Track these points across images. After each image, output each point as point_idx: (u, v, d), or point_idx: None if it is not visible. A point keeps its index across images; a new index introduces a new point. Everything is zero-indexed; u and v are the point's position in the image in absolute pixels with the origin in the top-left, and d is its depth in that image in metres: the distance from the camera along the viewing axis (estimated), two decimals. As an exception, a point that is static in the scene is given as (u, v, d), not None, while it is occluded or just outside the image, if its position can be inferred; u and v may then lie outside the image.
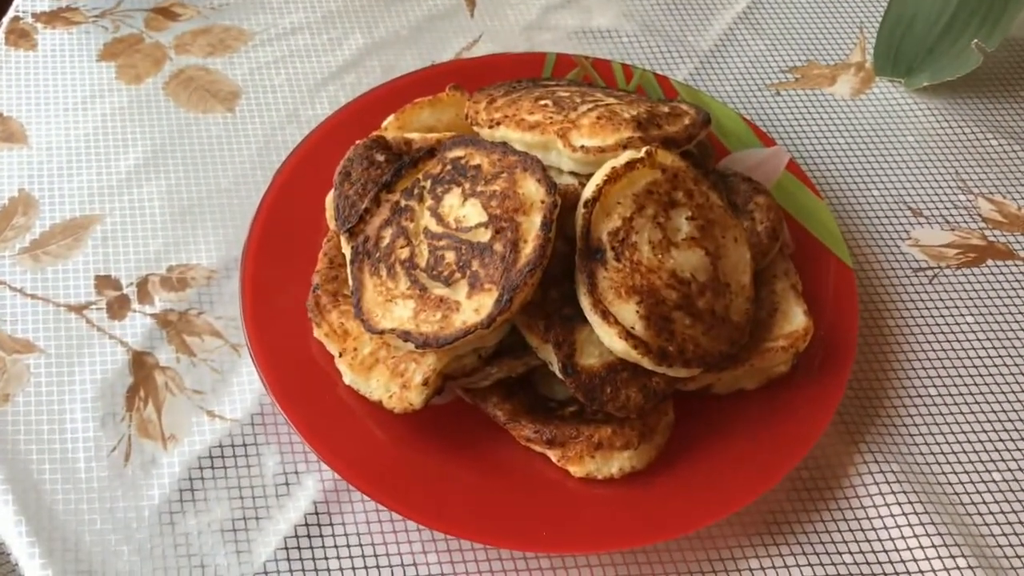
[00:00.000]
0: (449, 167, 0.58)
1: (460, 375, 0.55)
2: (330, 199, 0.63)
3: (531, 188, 0.55)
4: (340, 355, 0.57)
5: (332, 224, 0.62)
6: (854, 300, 0.63)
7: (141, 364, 0.61)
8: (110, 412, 0.58)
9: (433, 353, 0.54)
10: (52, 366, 0.60)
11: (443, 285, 0.54)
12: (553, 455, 0.56)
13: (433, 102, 0.66)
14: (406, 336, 0.53)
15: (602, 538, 0.54)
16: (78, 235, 0.66)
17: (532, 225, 0.53)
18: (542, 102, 0.62)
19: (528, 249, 0.53)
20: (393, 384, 0.55)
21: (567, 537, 0.53)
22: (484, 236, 0.54)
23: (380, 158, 0.62)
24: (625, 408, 0.53)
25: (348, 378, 0.56)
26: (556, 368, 0.54)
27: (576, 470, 0.55)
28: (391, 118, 0.66)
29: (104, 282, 0.64)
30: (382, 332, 0.54)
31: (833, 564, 0.56)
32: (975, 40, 0.77)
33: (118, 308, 0.63)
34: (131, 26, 0.79)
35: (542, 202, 0.54)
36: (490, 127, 0.61)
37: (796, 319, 0.59)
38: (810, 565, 0.56)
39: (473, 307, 0.53)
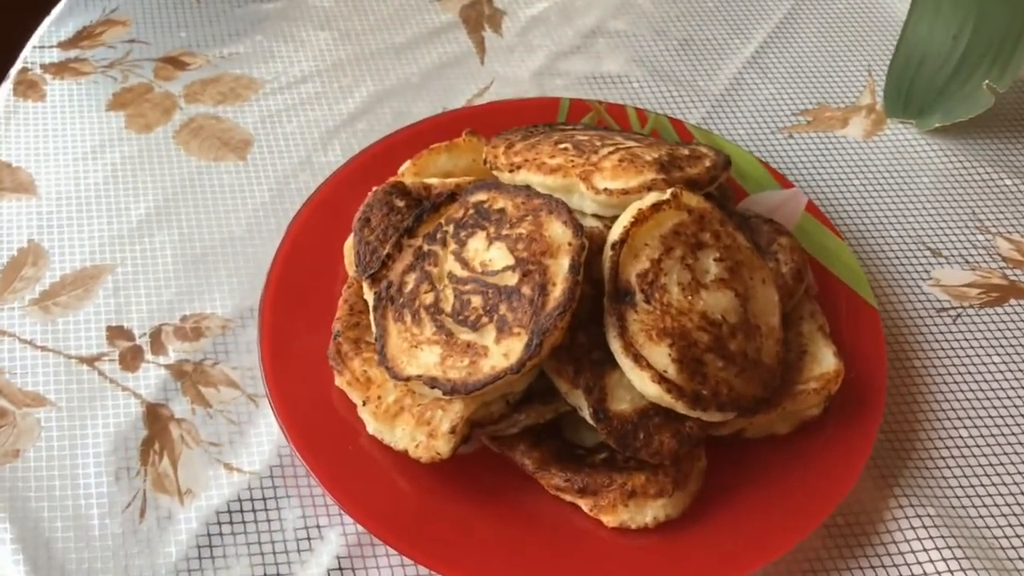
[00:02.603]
0: (472, 211, 0.57)
1: (488, 422, 0.54)
2: (349, 245, 0.62)
3: (558, 231, 0.54)
4: (364, 404, 0.55)
5: (351, 271, 0.61)
6: (881, 341, 0.62)
7: (155, 416, 0.59)
8: (124, 467, 0.57)
9: (460, 400, 0.52)
10: (64, 420, 0.58)
11: (470, 330, 0.53)
12: (585, 504, 0.54)
13: (450, 147, 0.66)
14: (433, 383, 0.52)
15: (638, 590, 0.52)
16: (88, 285, 0.65)
17: (560, 268, 0.53)
18: (562, 146, 0.62)
19: (557, 292, 0.52)
20: (419, 433, 0.53)
21: (602, 590, 0.52)
22: (511, 280, 0.53)
23: (400, 203, 0.61)
24: (659, 454, 0.52)
25: (372, 427, 0.55)
26: (587, 414, 0.53)
27: (609, 520, 0.53)
28: (408, 164, 0.65)
29: (116, 333, 0.63)
30: (408, 379, 0.53)
31: (872, 613, 0.55)
32: (986, 81, 0.77)
33: (131, 359, 0.61)
34: (140, 76, 0.78)
35: (569, 244, 0.53)
36: (511, 171, 0.60)
37: (826, 361, 0.58)
38: (849, 615, 0.55)
39: (502, 352, 0.52)
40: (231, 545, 0.54)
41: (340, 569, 0.54)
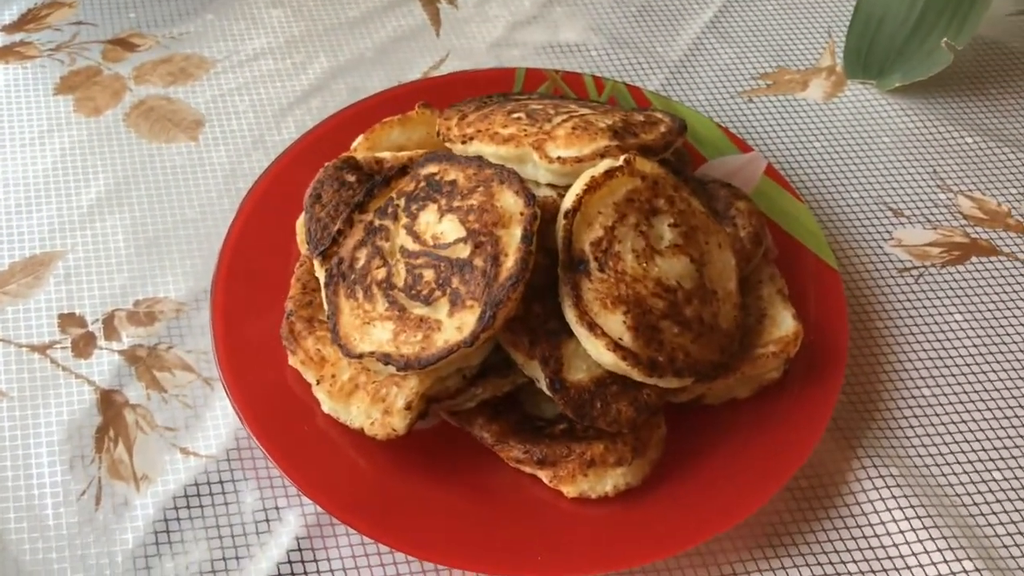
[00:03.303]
0: (423, 184, 0.56)
1: (444, 397, 0.53)
2: (301, 223, 0.61)
3: (509, 201, 0.53)
4: (318, 383, 0.55)
5: (303, 249, 0.60)
6: (842, 302, 0.62)
7: (110, 403, 0.58)
8: (78, 455, 0.56)
9: (415, 375, 0.52)
10: (15, 409, 0.57)
11: (423, 304, 0.52)
12: (544, 476, 0.54)
13: (403, 120, 0.65)
14: (386, 359, 0.51)
15: (599, 559, 0.51)
16: (39, 273, 0.64)
17: (512, 238, 0.52)
18: (515, 115, 0.61)
19: (510, 263, 0.51)
20: (375, 410, 0.52)
21: (563, 560, 0.51)
22: (463, 252, 0.53)
23: (351, 179, 0.60)
24: (617, 423, 0.51)
25: (327, 406, 0.54)
26: (544, 385, 0.52)
27: (569, 490, 0.53)
28: (360, 139, 0.64)
29: (68, 320, 0.62)
30: (361, 356, 0.52)
31: (837, 573, 0.55)
32: (944, 39, 0.77)
33: (83, 346, 0.60)
34: (88, 58, 0.77)
35: (521, 214, 0.52)
36: (463, 142, 0.60)
37: (785, 324, 0.58)
38: (814, 576, 0.55)
39: (455, 325, 0.51)
40: (189, 530, 0.54)
41: (300, 550, 0.53)
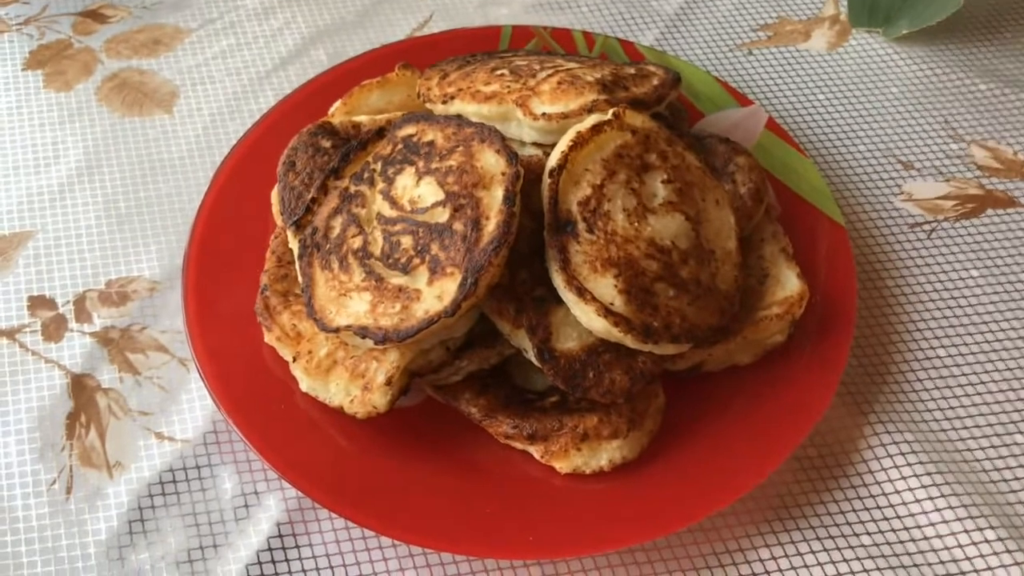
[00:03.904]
0: (401, 146, 0.53)
1: (427, 371, 0.50)
2: (275, 193, 0.58)
3: (490, 160, 0.50)
4: (294, 360, 0.52)
5: (279, 219, 0.57)
6: (850, 260, 0.58)
7: (81, 387, 0.55)
8: (49, 443, 0.53)
9: (395, 349, 0.49)
10: (-17, 397, 0.55)
11: (401, 273, 0.49)
12: (536, 451, 0.51)
13: (382, 83, 0.62)
14: (364, 332, 0.48)
15: (595, 539, 0.49)
16: (7, 254, 0.61)
17: (494, 199, 0.49)
18: (498, 72, 0.57)
19: (491, 226, 0.48)
20: (354, 387, 0.50)
21: (557, 541, 0.48)
22: (442, 216, 0.49)
23: (326, 144, 0.57)
24: (610, 393, 0.48)
25: (305, 384, 0.51)
26: (532, 355, 0.49)
27: (562, 466, 0.50)
28: (338, 103, 0.62)
29: (38, 303, 0.59)
30: (337, 330, 0.49)
31: (850, 547, 0.52)
32: (953, -19, 0.73)
33: (54, 329, 0.58)
34: (58, 32, 0.74)
35: (503, 174, 0.49)
36: (443, 102, 0.56)
37: (790, 284, 0.55)
38: (825, 550, 0.51)
39: (435, 294, 0.48)
40: (165, 518, 0.51)
41: (280, 536, 0.50)
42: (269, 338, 0.53)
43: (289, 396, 0.52)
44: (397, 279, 0.49)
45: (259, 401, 0.52)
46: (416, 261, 0.49)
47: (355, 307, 0.49)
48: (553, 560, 0.50)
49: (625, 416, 0.50)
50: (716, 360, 0.54)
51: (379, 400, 0.49)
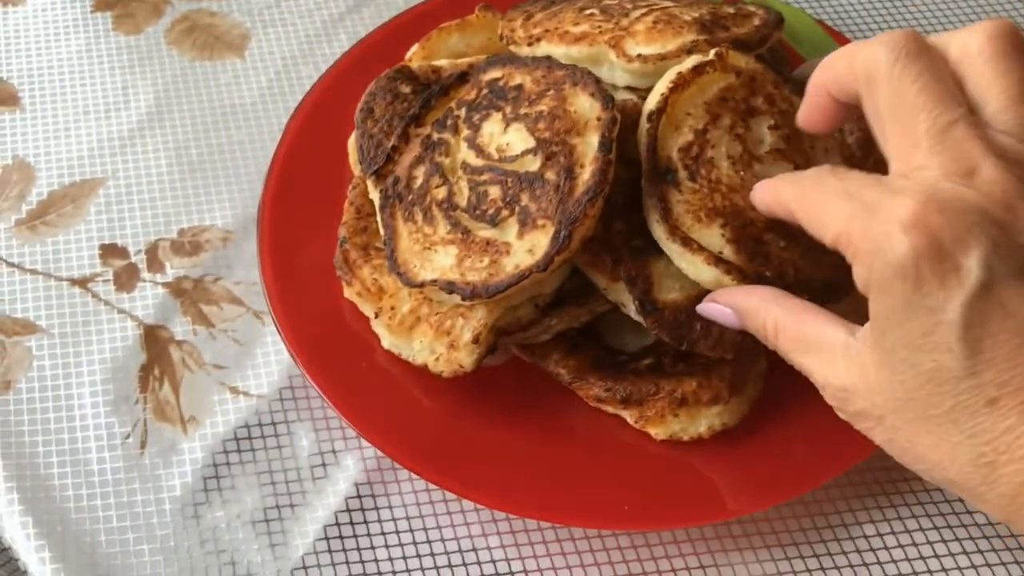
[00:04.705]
0: (486, 91, 0.50)
1: (515, 329, 0.48)
2: (353, 141, 0.56)
3: (584, 104, 0.47)
4: (376, 316, 0.50)
5: (357, 169, 0.55)
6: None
7: (154, 339, 0.54)
8: (122, 395, 0.52)
9: (483, 305, 0.46)
10: (56, 347, 0.54)
11: (489, 225, 0.46)
12: (629, 416, 0.48)
13: (462, 26, 0.59)
14: (450, 287, 0.46)
15: (692, 510, 0.46)
16: (79, 202, 0.59)
17: (588, 147, 0.45)
18: (587, 11, 0.54)
19: (586, 175, 0.45)
20: (439, 344, 0.47)
21: (651, 511, 0.46)
22: (533, 165, 0.46)
23: (406, 90, 0.54)
24: (720, 346, 0.45)
25: (387, 341, 0.49)
26: (632, 309, 0.46)
27: (658, 432, 0.47)
28: (415, 47, 0.59)
29: (110, 251, 0.57)
30: (422, 285, 0.47)
31: (962, 524, 0.48)
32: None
33: (126, 279, 0.56)
34: (127, -28, 0.71)
35: (598, 119, 0.46)
36: (529, 44, 0.53)
37: (903, 241, 0.50)
38: (935, 528, 0.48)
39: (526, 248, 0.45)
40: (240, 476, 0.50)
41: (359, 496, 0.49)
42: (349, 293, 0.51)
43: (369, 353, 0.50)
44: (485, 232, 0.46)
45: (338, 357, 0.50)
46: (505, 213, 0.46)
47: (440, 261, 0.47)
48: (646, 531, 0.47)
49: (726, 381, 0.47)
50: (823, 322, 0.50)
51: (465, 359, 0.46)
